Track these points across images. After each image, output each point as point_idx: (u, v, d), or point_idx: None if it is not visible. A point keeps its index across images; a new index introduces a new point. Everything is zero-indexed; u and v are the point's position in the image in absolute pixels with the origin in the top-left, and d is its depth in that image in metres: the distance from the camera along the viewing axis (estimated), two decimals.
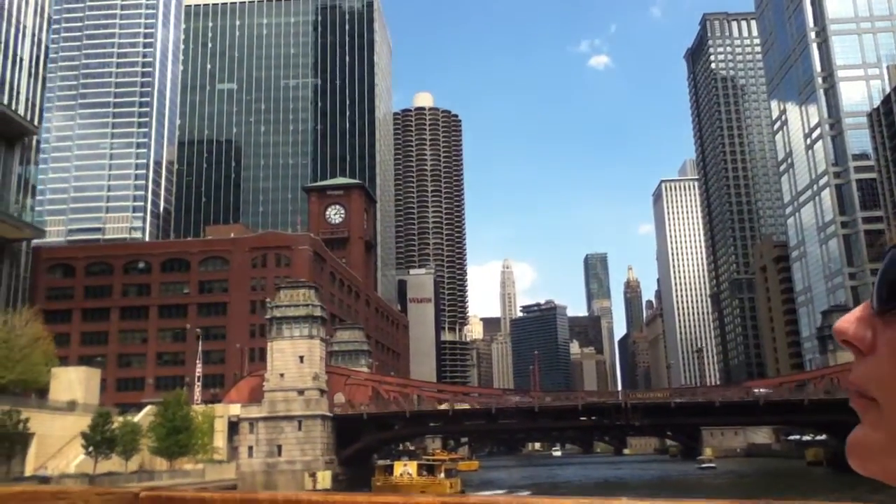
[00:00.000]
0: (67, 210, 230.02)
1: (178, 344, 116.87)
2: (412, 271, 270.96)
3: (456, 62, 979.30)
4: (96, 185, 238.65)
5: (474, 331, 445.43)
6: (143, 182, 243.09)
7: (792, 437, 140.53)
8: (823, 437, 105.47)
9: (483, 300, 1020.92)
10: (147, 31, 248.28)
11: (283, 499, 1.71)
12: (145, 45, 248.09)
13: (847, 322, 0.79)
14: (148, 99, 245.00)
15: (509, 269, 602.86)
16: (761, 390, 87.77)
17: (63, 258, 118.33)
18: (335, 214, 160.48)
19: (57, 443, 64.60)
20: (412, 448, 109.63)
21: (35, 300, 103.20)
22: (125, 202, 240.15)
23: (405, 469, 72.39)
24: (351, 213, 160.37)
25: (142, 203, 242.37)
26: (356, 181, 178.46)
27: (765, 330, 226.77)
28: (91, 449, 58.91)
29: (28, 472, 59.53)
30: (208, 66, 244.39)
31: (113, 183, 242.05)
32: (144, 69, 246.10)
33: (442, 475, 74.89)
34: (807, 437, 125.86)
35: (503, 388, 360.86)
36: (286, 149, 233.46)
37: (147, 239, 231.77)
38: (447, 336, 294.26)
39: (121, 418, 64.44)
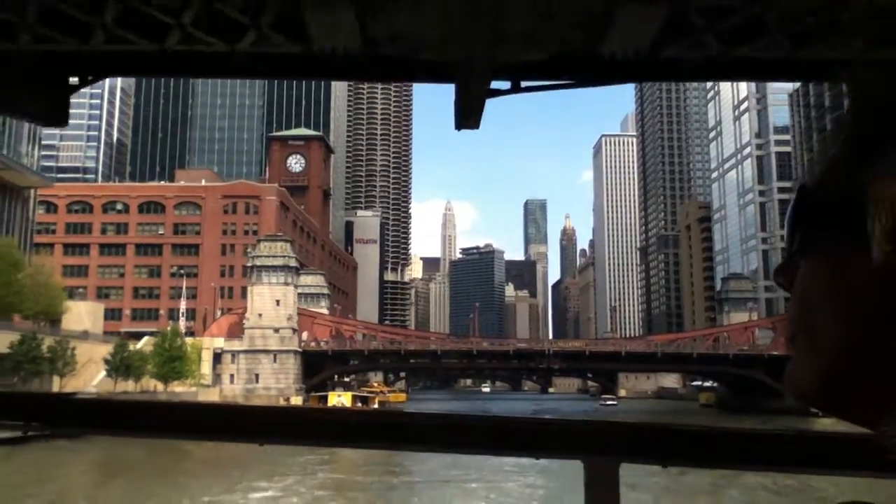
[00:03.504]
0: None
1: (154, 280, 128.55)
2: (359, 213, 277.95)
3: None
4: None
5: (414, 270, 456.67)
6: (98, 112, 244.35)
7: (695, 383, 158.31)
8: (716, 384, 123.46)
9: (424, 239, 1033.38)
10: None
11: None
12: None
13: (780, 265, 0.85)
14: None
15: (451, 211, 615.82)
16: (660, 343, 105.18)
17: (45, 196, 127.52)
18: (296, 164, 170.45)
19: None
20: (347, 380, 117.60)
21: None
22: (79, 131, 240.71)
23: (339, 399, 76.13)
24: (311, 163, 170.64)
25: (96, 133, 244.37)
26: (317, 133, 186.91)
27: (685, 284, 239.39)
28: (112, 371, 71.79)
29: (55, 389, 71.63)
30: None
31: None
32: None
33: (376, 405, 78.10)
34: (707, 384, 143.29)
35: (440, 328, 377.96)
36: (243, 89, 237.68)
37: (101, 170, 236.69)
38: (389, 276, 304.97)
39: (131, 347, 76.95)
